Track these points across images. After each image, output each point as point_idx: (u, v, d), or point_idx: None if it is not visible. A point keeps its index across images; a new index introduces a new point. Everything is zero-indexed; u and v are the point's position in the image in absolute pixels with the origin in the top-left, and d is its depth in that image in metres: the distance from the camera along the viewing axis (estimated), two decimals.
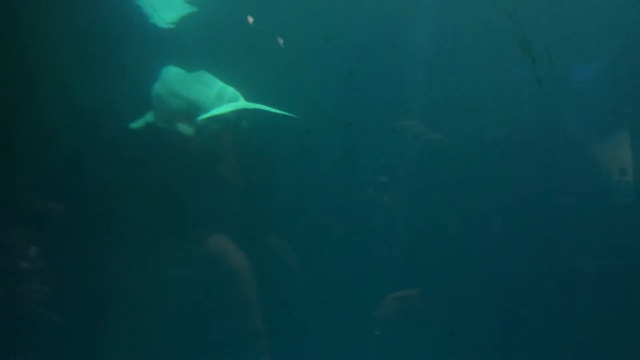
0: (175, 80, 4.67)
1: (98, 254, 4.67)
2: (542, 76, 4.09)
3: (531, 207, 4.45)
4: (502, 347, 4.44)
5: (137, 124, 4.66)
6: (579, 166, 4.43)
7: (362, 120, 4.51)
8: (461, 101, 4.49)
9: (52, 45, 4.67)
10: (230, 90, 4.40)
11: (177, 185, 4.67)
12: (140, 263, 4.69)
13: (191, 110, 4.44)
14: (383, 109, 4.55)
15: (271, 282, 4.64)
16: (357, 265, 4.68)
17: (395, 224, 4.63)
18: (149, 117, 4.66)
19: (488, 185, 4.47)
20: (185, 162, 4.67)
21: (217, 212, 4.68)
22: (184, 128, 4.50)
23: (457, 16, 4.38)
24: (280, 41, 4.68)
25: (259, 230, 4.70)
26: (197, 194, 4.67)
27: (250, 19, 4.73)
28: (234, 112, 4.36)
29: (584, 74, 4.55)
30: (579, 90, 4.50)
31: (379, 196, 4.63)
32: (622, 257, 4.41)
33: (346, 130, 4.51)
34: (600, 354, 4.38)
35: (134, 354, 4.67)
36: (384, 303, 4.60)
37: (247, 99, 4.39)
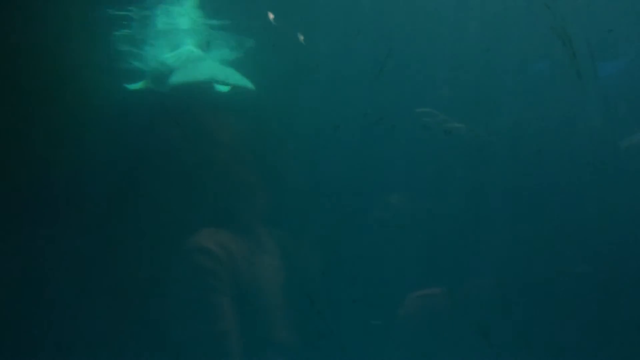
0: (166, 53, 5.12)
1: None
2: (582, 70, 4.01)
3: (569, 204, 4.38)
4: (537, 350, 4.38)
5: (134, 86, 4.97)
6: (619, 164, 4.35)
7: (393, 116, 4.45)
8: (494, 97, 4.44)
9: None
10: (208, 62, 4.87)
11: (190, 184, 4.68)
12: (148, 259, 4.67)
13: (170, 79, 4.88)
14: (414, 105, 4.48)
15: (299, 279, 4.59)
16: (386, 263, 4.62)
17: (425, 221, 4.57)
18: (147, 82, 5.04)
19: (522, 182, 4.41)
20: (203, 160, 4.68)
21: (244, 209, 4.64)
22: (175, 94, 4.88)
23: (492, 8, 4.32)
24: (302, 37, 4.66)
25: (285, 228, 4.64)
26: (221, 192, 4.65)
27: (271, 15, 4.71)
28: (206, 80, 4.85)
29: (610, 68, 4.48)
30: (611, 85, 4.44)
31: (408, 192, 4.57)
32: None
33: (377, 126, 4.45)
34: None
35: (159, 350, 4.64)
36: (414, 302, 4.53)
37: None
